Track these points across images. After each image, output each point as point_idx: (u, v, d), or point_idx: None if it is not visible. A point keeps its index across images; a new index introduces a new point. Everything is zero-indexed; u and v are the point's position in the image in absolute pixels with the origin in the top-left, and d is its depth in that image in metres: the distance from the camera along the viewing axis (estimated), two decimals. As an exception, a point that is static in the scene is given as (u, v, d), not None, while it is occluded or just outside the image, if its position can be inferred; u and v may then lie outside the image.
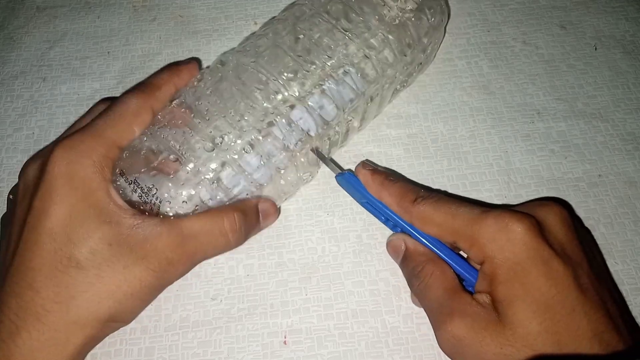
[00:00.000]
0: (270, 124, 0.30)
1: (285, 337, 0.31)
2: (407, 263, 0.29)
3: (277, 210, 0.33)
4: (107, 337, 0.31)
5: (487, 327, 0.25)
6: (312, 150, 0.32)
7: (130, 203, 0.28)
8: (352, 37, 0.32)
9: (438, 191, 0.35)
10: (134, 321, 0.31)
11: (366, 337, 0.31)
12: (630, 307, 0.31)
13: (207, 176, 0.28)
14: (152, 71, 0.41)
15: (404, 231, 0.30)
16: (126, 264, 0.26)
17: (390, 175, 0.31)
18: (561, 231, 0.26)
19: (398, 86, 0.37)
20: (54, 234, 0.25)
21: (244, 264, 0.33)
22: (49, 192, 0.26)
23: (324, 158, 0.32)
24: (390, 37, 0.33)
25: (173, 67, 0.32)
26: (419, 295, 0.28)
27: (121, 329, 0.31)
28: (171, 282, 0.29)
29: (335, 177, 0.32)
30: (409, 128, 0.38)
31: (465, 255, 0.29)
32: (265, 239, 0.34)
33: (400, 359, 0.30)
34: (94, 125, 0.28)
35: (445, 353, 0.27)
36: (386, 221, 0.31)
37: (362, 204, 0.32)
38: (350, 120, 0.34)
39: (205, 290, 0.32)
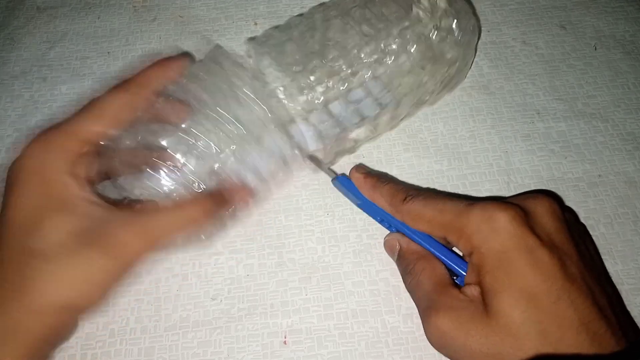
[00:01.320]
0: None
1: (285, 337, 0.31)
2: (401, 261, 0.30)
3: (247, 188, 0.31)
4: (107, 337, 0.31)
5: (472, 319, 0.25)
6: (308, 157, 0.32)
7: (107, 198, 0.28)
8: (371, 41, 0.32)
9: (428, 189, 0.35)
10: (134, 321, 0.31)
11: (366, 337, 0.31)
12: (630, 307, 0.31)
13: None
14: (152, 71, 0.41)
15: (398, 230, 0.31)
16: (90, 255, 0.26)
17: (382, 178, 0.32)
18: (549, 221, 0.26)
19: (423, 98, 0.37)
20: (19, 226, 0.26)
21: (244, 264, 0.33)
22: (17, 186, 0.26)
23: (319, 164, 0.33)
24: (409, 46, 0.33)
25: (162, 62, 0.31)
26: (411, 291, 0.29)
27: (121, 329, 0.31)
28: (135, 270, 0.28)
29: (331, 180, 0.33)
30: (409, 128, 0.38)
31: (458, 252, 0.29)
32: (265, 239, 0.34)
33: (400, 359, 0.30)
34: (68, 121, 0.28)
35: (433, 347, 0.27)
36: (381, 221, 0.32)
37: (358, 206, 0.33)
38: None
39: (205, 290, 0.32)
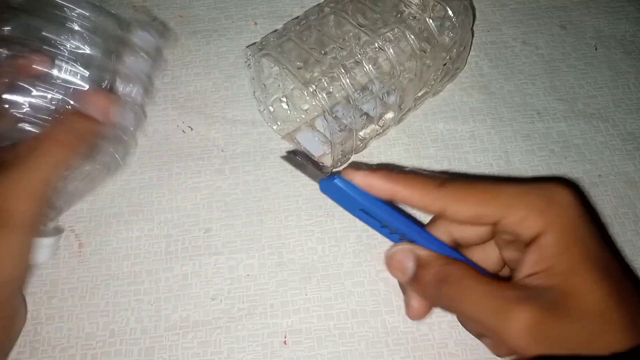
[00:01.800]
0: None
1: (285, 337, 0.31)
2: (425, 273, 0.25)
3: (107, 96, 0.32)
4: (107, 337, 0.31)
5: (556, 305, 0.23)
6: (286, 156, 0.30)
7: None
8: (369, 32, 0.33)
9: None
10: (134, 321, 0.31)
11: (366, 337, 0.31)
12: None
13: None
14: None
15: (405, 237, 0.26)
16: None
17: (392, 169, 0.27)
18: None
19: (423, 90, 0.37)
20: None
21: (244, 264, 0.33)
22: None
23: (301, 165, 0.28)
24: (407, 32, 0.33)
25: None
26: (454, 301, 0.24)
27: (121, 329, 0.31)
28: (24, 224, 0.28)
29: (320, 182, 0.27)
30: (409, 128, 0.38)
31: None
32: (265, 239, 0.34)
33: (400, 359, 0.30)
34: None
35: (522, 349, 0.23)
36: (382, 228, 0.27)
37: (354, 212, 0.27)
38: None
39: (205, 290, 0.32)
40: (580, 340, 0.23)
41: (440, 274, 0.25)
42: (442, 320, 0.31)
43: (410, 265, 0.25)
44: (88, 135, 0.31)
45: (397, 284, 0.32)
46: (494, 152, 0.37)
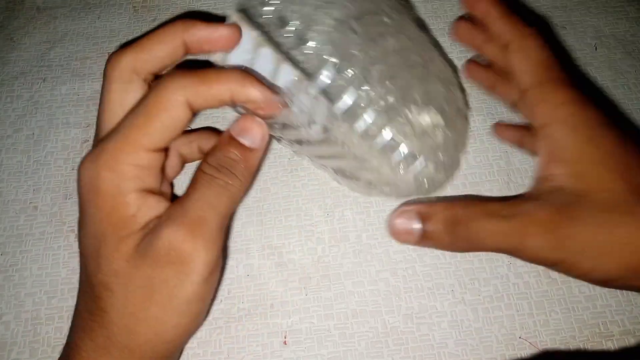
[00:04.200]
0: None
1: (285, 337, 0.31)
2: (434, 226, 0.25)
3: (256, 120, 0.26)
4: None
5: (568, 208, 0.23)
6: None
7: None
8: None
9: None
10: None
11: (366, 337, 0.31)
12: (630, 306, 0.31)
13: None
14: (152, 71, 0.41)
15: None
16: (145, 274, 0.23)
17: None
18: None
19: None
20: (86, 257, 0.25)
21: (244, 264, 0.33)
22: (81, 213, 0.25)
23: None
24: None
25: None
26: (476, 239, 0.24)
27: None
28: (205, 268, 0.24)
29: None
30: (409, 128, 0.38)
31: None
32: (265, 239, 0.34)
33: (400, 359, 0.30)
34: (119, 131, 0.24)
35: (543, 260, 0.24)
36: None
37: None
38: None
39: (205, 290, 0.32)
40: (601, 237, 0.22)
41: (449, 220, 0.25)
42: (442, 320, 0.31)
43: (416, 225, 0.26)
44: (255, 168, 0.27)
45: (397, 284, 0.32)
46: (494, 152, 0.37)
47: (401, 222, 0.26)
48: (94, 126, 0.39)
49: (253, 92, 0.25)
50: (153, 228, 0.24)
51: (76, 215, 0.35)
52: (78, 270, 0.33)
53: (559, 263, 0.24)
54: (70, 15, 0.45)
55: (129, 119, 0.24)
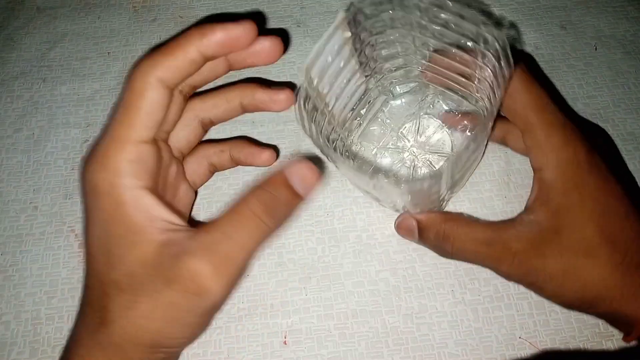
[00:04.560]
0: None
1: (285, 337, 0.31)
2: (427, 235, 0.30)
3: (314, 168, 0.25)
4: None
5: (543, 239, 0.26)
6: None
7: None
8: None
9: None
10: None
11: (366, 337, 0.31)
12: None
13: None
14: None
15: None
16: (157, 288, 0.23)
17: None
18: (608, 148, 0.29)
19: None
20: (96, 255, 0.25)
21: (244, 264, 0.33)
22: (86, 211, 0.25)
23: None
24: None
25: (202, 29, 0.24)
26: (459, 254, 0.29)
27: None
28: (216, 302, 0.24)
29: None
30: (409, 128, 0.38)
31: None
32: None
33: (400, 359, 0.30)
34: (110, 129, 0.24)
35: (513, 280, 0.29)
36: None
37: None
38: None
39: (205, 290, 0.32)
40: (565, 273, 0.26)
41: (440, 234, 0.29)
42: (442, 321, 0.31)
43: (414, 227, 0.30)
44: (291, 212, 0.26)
45: (397, 284, 0.32)
46: (494, 152, 0.37)
47: (405, 223, 0.31)
48: (94, 126, 0.39)
49: (217, 36, 0.23)
50: (179, 251, 0.23)
51: (76, 215, 0.35)
52: (78, 270, 0.33)
53: (528, 286, 0.29)
54: (70, 15, 0.45)
55: (113, 116, 0.24)
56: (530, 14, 0.43)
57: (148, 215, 0.24)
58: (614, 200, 0.26)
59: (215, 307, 0.25)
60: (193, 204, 0.32)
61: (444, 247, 0.29)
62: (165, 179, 0.28)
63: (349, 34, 0.26)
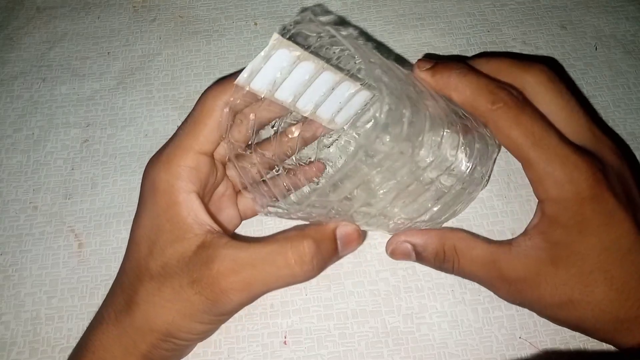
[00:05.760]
0: None
1: (285, 337, 0.31)
2: (426, 256, 0.29)
3: (361, 235, 0.28)
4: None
5: (539, 271, 0.26)
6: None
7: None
8: None
9: None
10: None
11: (366, 337, 0.31)
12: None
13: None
14: (152, 72, 0.41)
15: None
16: (181, 284, 0.25)
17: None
18: (626, 172, 0.28)
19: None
20: (138, 243, 0.27)
21: (244, 264, 0.33)
22: (146, 205, 0.28)
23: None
24: None
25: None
26: (461, 273, 0.29)
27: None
28: (229, 312, 0.28)
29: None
30: (409, 128, 0.38)
31: None
32: (265, 239, 0.34)
33: (400, 359, 0.30)
34: (177, 137, 0.28)
35: (508, 301, 0.29)
36: None
37: None
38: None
39: (205, 290, 0.32)
40: (560, 305, 0.26)
41: (441, 256, 0.29)
42: (442, 321, 0.31)
43: (411, 251, 0.29)
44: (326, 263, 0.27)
45: (397, 284, 0.32)
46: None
47: (400, 249, 0.30)
48: (94, 126, 0.39)
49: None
50: (211, 256, 0.25)
51: (76, 215, 0.35)
52: (78, 270, 0.33)
53: (518, 305, 0.30)
54: (70, 15, 0.45)
55: (182, 127, 0.28)
56: (530, 14, 0.43)
57: (195, 217, 0.27)
58: (616, 235, 0.26)
59: (227, 314, 0.28)
60: (234, 229, 0.33)
61: (445, 268, 0.29)
62: (211, 194, 0.30)
63: (297, 52, 0.25)
